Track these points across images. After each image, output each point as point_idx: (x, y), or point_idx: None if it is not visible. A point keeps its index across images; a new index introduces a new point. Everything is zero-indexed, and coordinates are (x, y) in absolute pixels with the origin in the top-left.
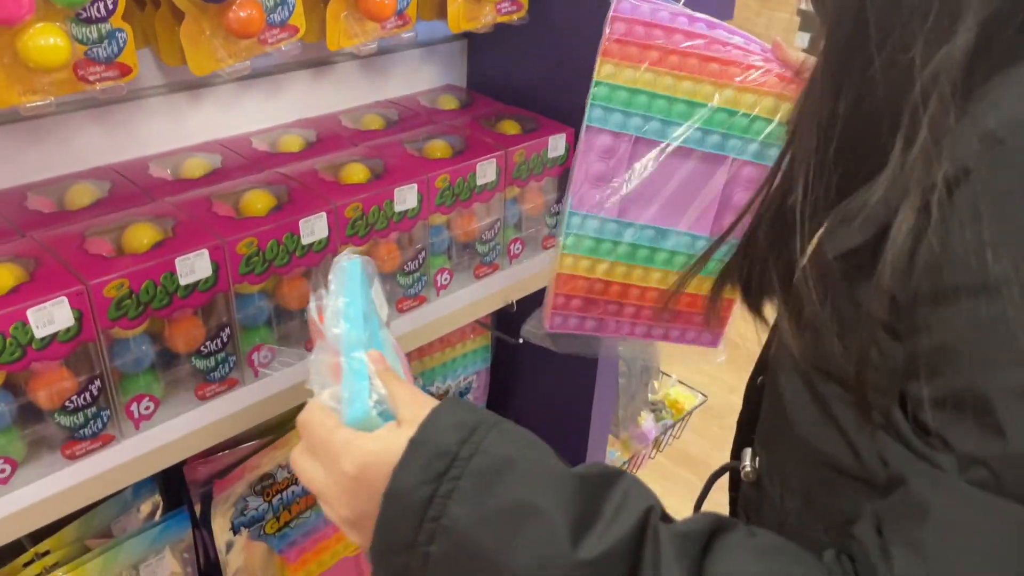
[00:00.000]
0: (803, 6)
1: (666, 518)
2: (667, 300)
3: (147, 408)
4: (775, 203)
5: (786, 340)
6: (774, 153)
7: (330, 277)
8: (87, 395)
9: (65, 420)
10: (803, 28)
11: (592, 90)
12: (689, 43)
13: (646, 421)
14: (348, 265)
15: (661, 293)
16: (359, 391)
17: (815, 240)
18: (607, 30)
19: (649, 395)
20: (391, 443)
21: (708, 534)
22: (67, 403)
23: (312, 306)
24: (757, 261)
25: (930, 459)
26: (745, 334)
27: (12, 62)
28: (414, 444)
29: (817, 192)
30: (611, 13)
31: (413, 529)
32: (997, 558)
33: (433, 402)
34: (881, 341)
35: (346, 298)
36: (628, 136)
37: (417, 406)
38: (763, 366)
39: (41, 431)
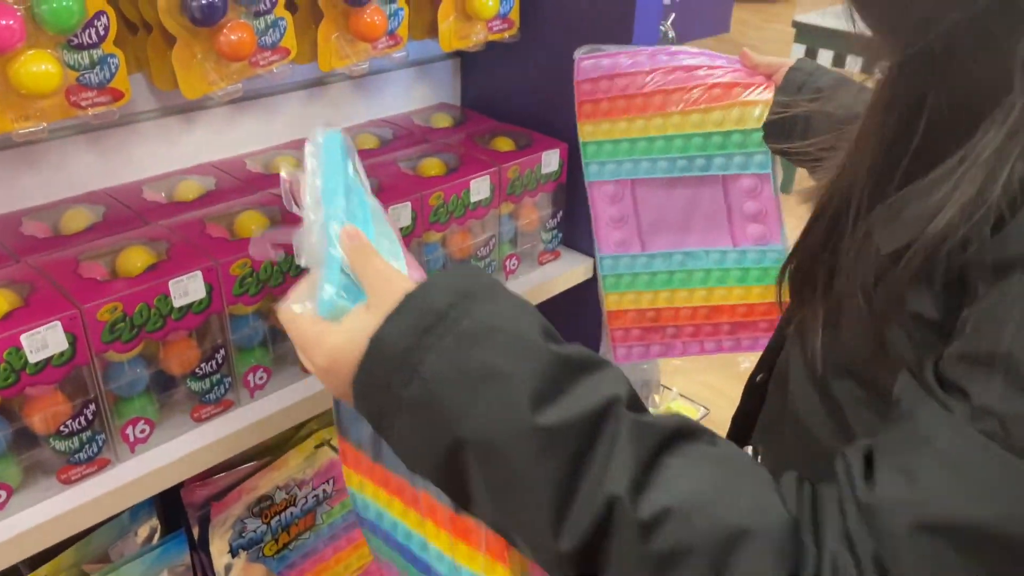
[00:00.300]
0: (798, 18)
1: (638, 408)
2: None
3: (143, 431)
4: (832, 206)
5: (808, 338)
6: (758, 160)
7: (306, 153)
8: (82, 419)
9: (60, 445)
10: (798, 40)
11: (581, 150)
12: (651, 81)
13: None
14: (325, 140)
15: (711, 308)
16: (329, 278)
17: (865, 236)
18: (576, 94)
19: (650, 409)
20: (356, 333)
21: (673, 431)
22: (62, 428)
23: (285, 187)
24: (807, 259)
25: (944, 403)
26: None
27: (4, 89)
28: (409, 298)
29: (873, 196)
30: (576, 78)
31: (391, 372)
32: (984, 499)
33: (403, 280)
34: (912, 330)
35: (322, 179)
36: (626, 180)
37: (387, 290)
38: (764, 364)
39: (36, 456)
